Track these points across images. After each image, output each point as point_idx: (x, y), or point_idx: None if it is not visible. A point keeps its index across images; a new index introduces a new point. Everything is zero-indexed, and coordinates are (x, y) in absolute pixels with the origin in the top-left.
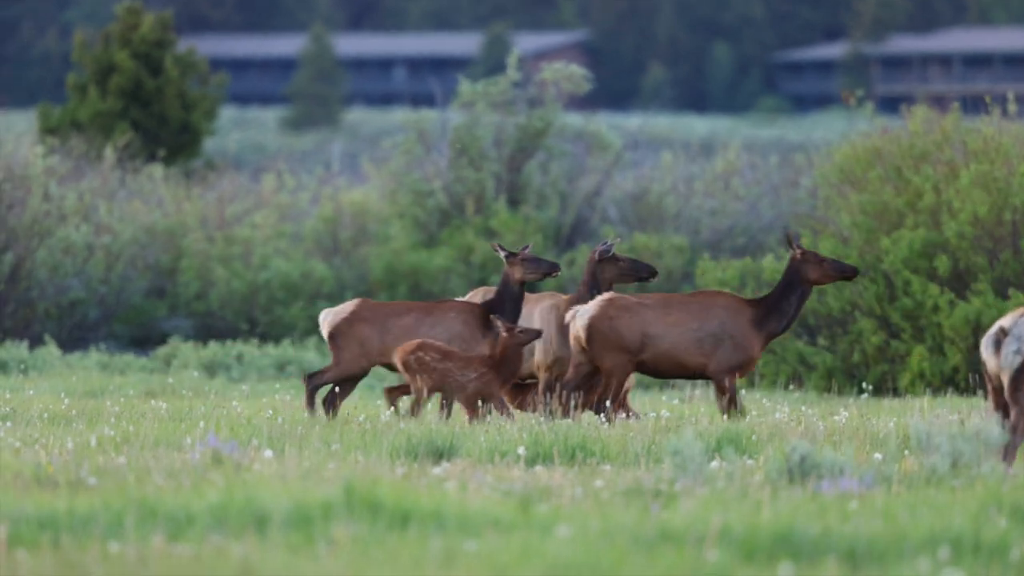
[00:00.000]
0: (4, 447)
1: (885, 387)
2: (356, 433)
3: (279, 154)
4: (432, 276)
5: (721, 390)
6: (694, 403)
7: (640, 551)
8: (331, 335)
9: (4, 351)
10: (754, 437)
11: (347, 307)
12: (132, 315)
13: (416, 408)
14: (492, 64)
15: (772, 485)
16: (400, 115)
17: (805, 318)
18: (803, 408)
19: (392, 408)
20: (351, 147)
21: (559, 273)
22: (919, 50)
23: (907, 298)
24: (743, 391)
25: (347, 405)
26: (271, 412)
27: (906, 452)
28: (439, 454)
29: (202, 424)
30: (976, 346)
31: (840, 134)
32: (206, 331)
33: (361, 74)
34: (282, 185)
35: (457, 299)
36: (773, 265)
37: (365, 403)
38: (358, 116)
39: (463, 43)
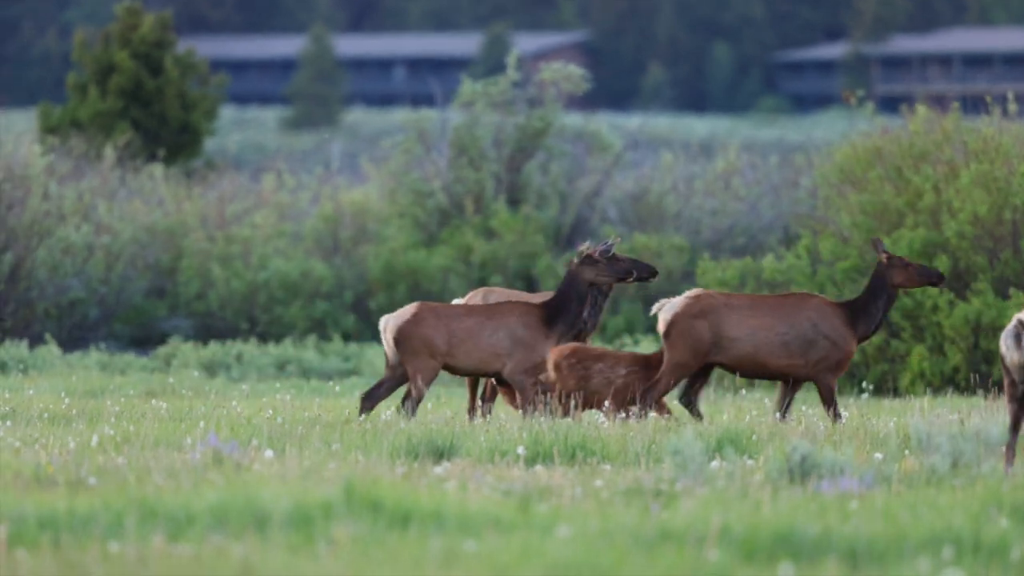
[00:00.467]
0: (4, 447)
1: (885, 387)
2: (356, 433)
3: (279, 154)
4: (431, 276)
5: (826, 390)
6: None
7: (640, 551)
8: (396, 340)
9: (4, 351)
10: (754, 437)
11: (408, 311)
12: (132, 315)
13: (556, 405)
14: (492, 64)
15: (772, 485)
16: (400, 115)
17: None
18: (803, 408)
19: (484, 413)
20: (351, 147)
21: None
22: (919, 50)
23: (907, 298)
24: (743, 391)
25: (347, 405)
26: (271, 412)
27: (906, 452)
28: (439, 454)
29: (202, 424)
30: (976, 346)
31: (840, 134)
32: (206, 331)
33: (361, 74)
34: (282, 185)
35: (518, 300)
36: (773, 265)
37: None
38: (358, 116)
39: (463, 43)
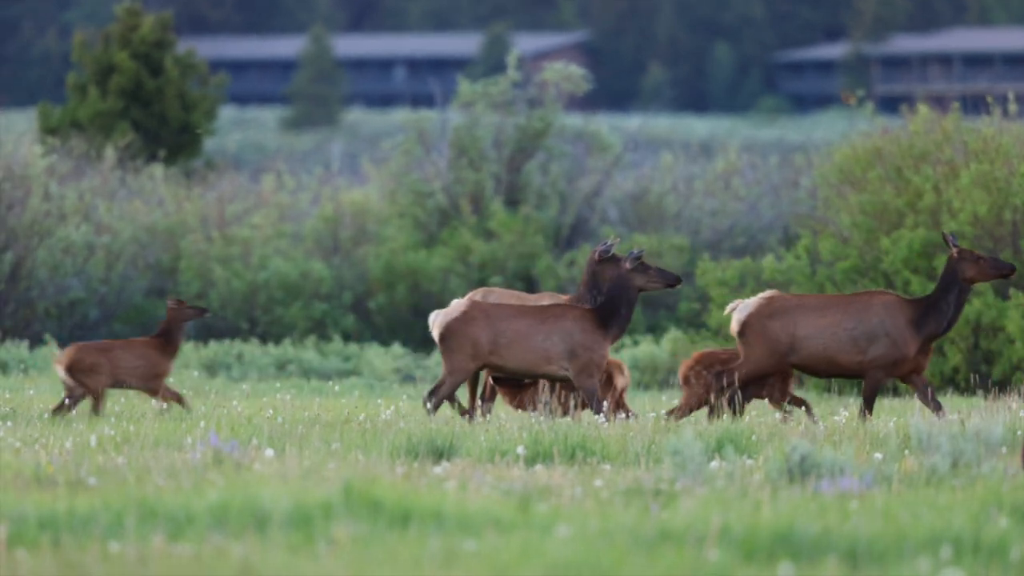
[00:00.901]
0: (4, 447)
1: (885, 387)
2: (356, 433)
3: (279, 154)
4: (431, 276)
5: (872, 387)
6: None
7: (640, 551)
8: (442, 336)
9: (4, 351)
10: (754, 437)
11: (458, 308)
12: (132, 315)
13: (682, 412)
14: (492, 64)
15: (772, 485)
16: (400, 115)
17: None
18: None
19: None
20: (351, 147)
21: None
22: (919, 50)
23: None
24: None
25: (347, 405)
26: (271, 411)
27: (906, 452)
28: (439, 454)
29: (202, 424)
30: (976, 346)
31: (840, 134)
32: (206, 331)
33: (361, 74)
34: (282, 185)
35: (568, 301)
36: (773, 265)
37: (365, 402)
38: (358, 116)
39: (463, 43)
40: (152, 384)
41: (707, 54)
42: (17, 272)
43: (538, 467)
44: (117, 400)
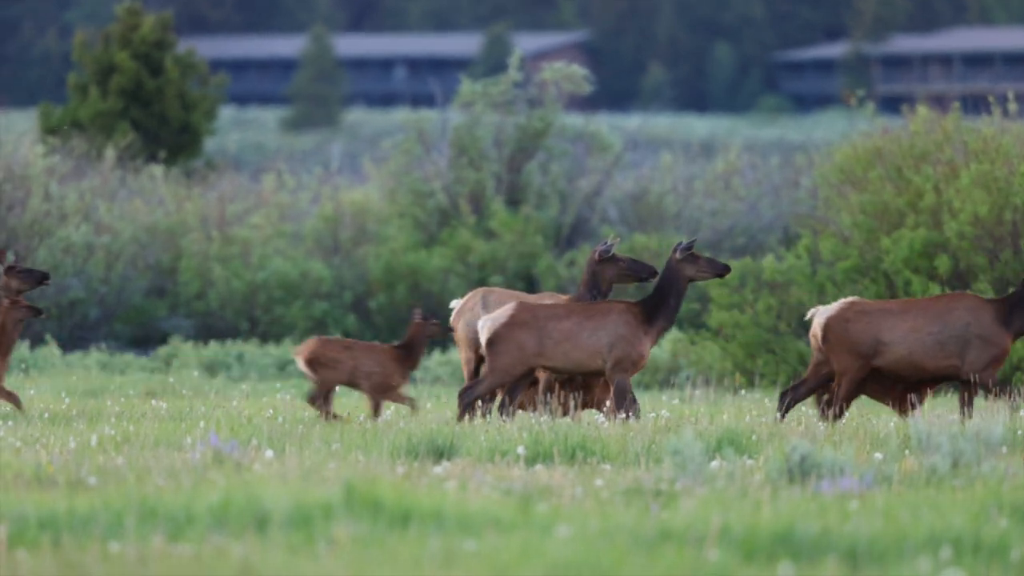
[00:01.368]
0: (4, 447)
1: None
2: (356, 433)
3: (279, 154)
4: (431, 276)
5: (986, 388)
6: (694, 403)
7: (640, 551)
8: (490, 341)
9: None
10: (754, 437)
11: (505, 313)
12: (132, 315)
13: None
14: (492, 64)
15: (772, 485)
16: (400, 115)
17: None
18: (803, 408)
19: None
20: (351, 147)
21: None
22: (920, 50)
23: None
24: (743, 391)
25: (347, 405)
26: (271, 412)
27: (906, 452)
28: (439, 453)
29: (202, 424)
30: None
31: (841, 134)
32: (206, 331)
33: (361, 74)
34: (282, 185)
35: (614, 300)
36: (773, 265)
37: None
38: (358, 116)
39: (463, 43)
40: (384, 396)
41: (707, 54)
42: None
43: (538, 467)
44: (117, 400)
